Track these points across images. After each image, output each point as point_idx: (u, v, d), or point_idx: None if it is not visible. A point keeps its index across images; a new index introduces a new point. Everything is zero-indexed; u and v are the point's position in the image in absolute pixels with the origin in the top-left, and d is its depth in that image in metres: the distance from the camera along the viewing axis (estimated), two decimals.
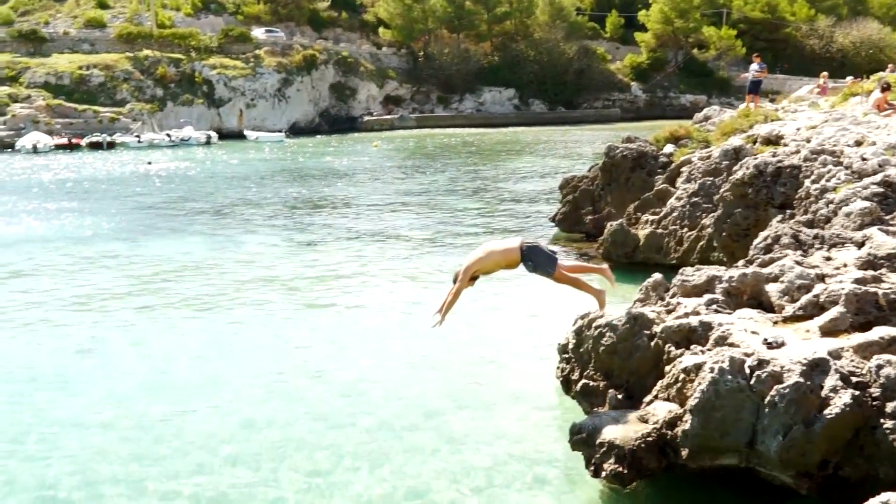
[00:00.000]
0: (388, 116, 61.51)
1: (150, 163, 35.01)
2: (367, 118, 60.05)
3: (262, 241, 17.43)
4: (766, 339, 6.27)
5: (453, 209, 21.95)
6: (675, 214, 13.89)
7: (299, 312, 11.87)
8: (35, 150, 41.29)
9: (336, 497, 6.52)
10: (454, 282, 7.37)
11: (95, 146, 43.11)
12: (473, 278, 7.38)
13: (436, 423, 7.88)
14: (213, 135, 48.81)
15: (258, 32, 60.24)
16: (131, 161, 36.26)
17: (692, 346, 6.66)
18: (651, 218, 14.43)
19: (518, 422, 7.90)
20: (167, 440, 7.57)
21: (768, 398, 5.73)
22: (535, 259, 7.26)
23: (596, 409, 7.20)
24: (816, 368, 5.81)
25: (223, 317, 11.62)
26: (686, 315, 7.08)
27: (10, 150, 41.58)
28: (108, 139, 43.90)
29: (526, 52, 68.80)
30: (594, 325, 7.53)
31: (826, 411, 5.60)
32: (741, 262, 8.66)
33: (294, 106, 57.05)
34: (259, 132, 51.64)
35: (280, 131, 52.97)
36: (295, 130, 54.95)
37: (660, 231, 14.02)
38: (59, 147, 42.45)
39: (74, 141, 43.37)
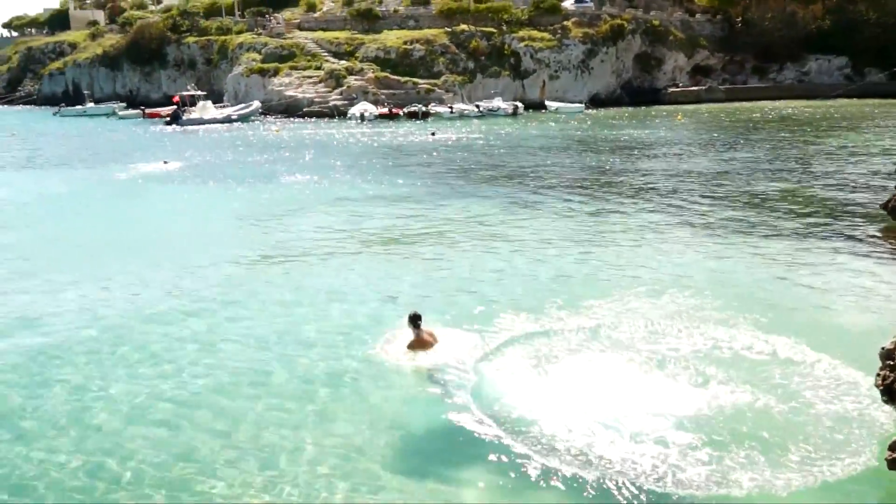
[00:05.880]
0: (695, 88, 58.31)
1: (433, 133, 37.68)
2: (671, 90, 57.61)
3: (550, 208, 17.71)
4: None
5: (755, 191, 20.08)
6: None
7: (571, 280, 11.83)
8: (362, 119, 46.56)
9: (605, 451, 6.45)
10: None
11: (412, 116, 47.21)
12: None
13: (736, 416, 7.36)
14: (520, 105, 50.55)
15: (568, 3, 60.51)
16: (418, 132, 39.33)
17: None
18: None
19: (827, 429, 7.08)
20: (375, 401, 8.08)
21: None
22: None
23: None
24: None
25: (503, 269, 12.14)
26: None
27: (342, 117, 47.34)
28: (424, 109, 47.77)
29: (866, 13, 60.17)
30: None
31: None
32: None
33: (596, 77, 56.68)
34: (559, 103, 52.28)
35: (580, 102, 53.06)
36: (595, 102, 54.65)
37: None
38: (381, 116, 47.30)
39: (395, 111, 47.94)
